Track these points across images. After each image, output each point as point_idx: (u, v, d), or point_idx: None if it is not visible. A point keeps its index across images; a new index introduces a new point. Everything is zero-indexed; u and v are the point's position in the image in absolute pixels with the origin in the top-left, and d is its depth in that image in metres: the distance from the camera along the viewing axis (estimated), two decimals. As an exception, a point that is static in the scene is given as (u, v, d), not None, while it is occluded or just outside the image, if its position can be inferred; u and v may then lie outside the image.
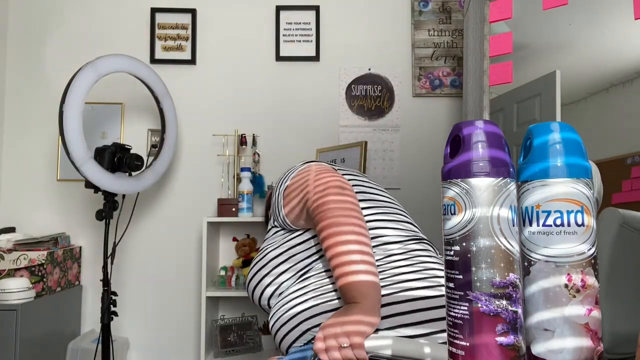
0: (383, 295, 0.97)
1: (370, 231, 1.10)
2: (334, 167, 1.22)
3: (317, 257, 1.10)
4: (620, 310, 1.74)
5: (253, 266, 1.17)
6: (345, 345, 0.83)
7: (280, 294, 1.10)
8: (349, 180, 1.20)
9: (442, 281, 1.00)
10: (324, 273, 1.06)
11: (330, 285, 1.03)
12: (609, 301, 1.73)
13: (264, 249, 1.19)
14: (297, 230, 1.16)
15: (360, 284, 0.91)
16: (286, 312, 1.04)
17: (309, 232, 1.14)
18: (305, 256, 1.11)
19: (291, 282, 1.10)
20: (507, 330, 0.47)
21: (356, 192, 1.17)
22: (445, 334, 0.92)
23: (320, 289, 1.03)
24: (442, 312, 0.94)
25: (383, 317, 0.94)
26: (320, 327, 0.89)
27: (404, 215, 1.20)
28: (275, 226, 1.21)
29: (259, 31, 2.54)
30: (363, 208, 1.14)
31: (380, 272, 1.02)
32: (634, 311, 1.76)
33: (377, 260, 1.05)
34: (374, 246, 1.08)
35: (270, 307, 1.13)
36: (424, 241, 1.16)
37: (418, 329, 0.93)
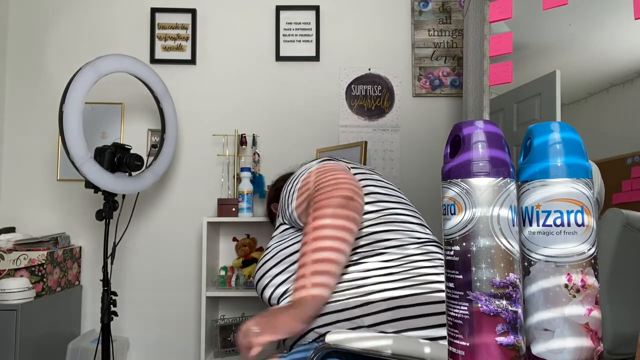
0: (408, 296, 0.96)
1: (370, 236, 1.10)
2: (348, 165, 1.21)
3: None
4: (623, 311, 1.73)
5: (260, 267, 1.17)
6: (256, 330, 0.94)
7: (285, 293, 1.10)
8: (360, 180, 1.19)
9: None
10: None
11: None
12: (611, 302, 1.73)
13: (271, 249, 1.18)
14: None
15: (307, 298, 0.95)
16: None
17: None
18: None
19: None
20: (507, 330, 0.46)
21: (365, 194, 1.15)
22: None
23: None
24: None
25: (395, 319, 0.94)
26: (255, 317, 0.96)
27: (414, 217, 1.18)
28: (284, 223, 1.20)
29: (259, 31, 2.54)
30: (368, 212, 1.13)
31: (398, 272, 1.02)
32: (637, 312, 1.75)
33: (393, 260, 1.05)
34: (372, 255, 1.07)
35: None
36: (436, 243, 1.15)
37: (434, 332, 0.93)
